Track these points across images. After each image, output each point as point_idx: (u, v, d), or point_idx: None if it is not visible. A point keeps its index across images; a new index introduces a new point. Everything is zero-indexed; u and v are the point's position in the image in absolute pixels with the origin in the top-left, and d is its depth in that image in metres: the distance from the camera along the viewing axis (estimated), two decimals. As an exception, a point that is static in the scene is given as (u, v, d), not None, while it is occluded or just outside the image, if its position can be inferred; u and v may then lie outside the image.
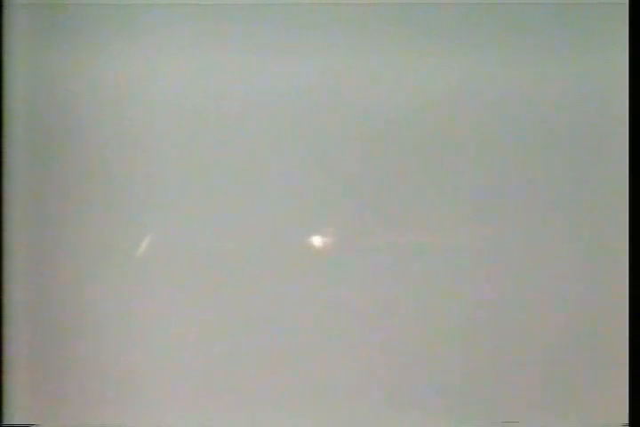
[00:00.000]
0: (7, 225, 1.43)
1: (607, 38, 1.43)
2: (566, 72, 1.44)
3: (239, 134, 1.44)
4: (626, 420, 1.39)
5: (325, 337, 1.44)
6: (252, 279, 1.44)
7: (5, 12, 1.43)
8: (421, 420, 1.45)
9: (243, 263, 1.44)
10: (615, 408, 1.42)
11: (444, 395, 1.45)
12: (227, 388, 1.45)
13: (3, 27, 1.43)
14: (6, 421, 1.45)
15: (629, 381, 1.30)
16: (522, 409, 1.45)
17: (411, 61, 1.44)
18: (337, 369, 1.44)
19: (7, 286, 1.43)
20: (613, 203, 1.43)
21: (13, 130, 1.44)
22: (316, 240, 1.45)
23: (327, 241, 1.45)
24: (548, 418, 1.45)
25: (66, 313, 1.44)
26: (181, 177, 1.44)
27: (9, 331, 1.44)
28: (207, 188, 1.44)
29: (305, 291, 1.44)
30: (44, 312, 1.44)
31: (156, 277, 1.44)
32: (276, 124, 1.44)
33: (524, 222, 1.44)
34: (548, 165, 1.44)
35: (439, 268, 1.44)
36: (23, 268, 1.44)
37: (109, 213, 1.44)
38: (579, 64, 1.44)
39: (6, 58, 1.44)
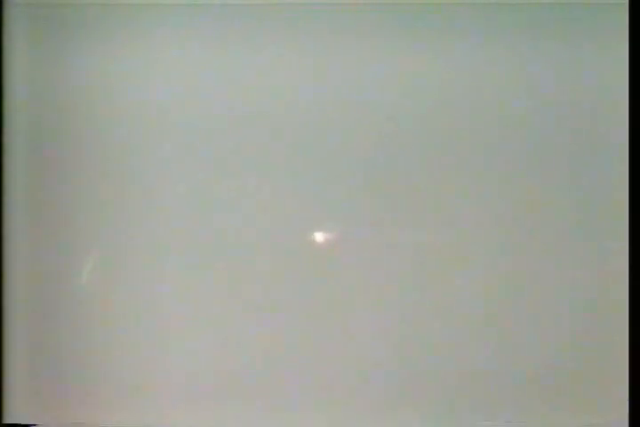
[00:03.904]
0: (7, 224, 1.43)
1: (607, 38, 1.43)
2: (566, 72, 1.44)
3: (242, 132, 1.44)
4: (626, 420, 1.39)
5: (327, 336, 1.44)
6: (255, 277, 1.44)
7: (5, 11, 1.43)
8: (421, 420, 1.45)
9: (246, 262, 1.44)
10: (615, 408, 1.42)
11: (444, 394, 1.44)
12: (227, 387, 1.45)
13: (3, 27, 1.43)
14: (6, 421, 1.45)
15: (629, 381, 1.30)
16: (522, 409, 1.45)
17: (411, 61, 1.44)
18: (337, 368, 1.44)
19: (7, 286, 1.43)
20: (615, 203, 1.43)
21: (13, 130, 1.44)
22: (320, 238, 1.45)
23: (332, 239, 1.45)
24: (548, 418, 1.45)
25: (66, 313, 1.44)
26: (183, 176, 1.44)
27: (9, 331, 1.44)
28: (210, 186, 1.44)
29: (308, 289, 1.44)
30: (44, 312, 1.44)
31: (157, 275, 1.44)
32: (279, 122, 1.44)
33: (525, 222, 1.44)
34: (551, 165, 1.44)
35: (442, 267, 1.44)
36: (23, 268, 1.44)
37: (109, 212, 1.44)
38: (579, 64, 1.44)
39: (6, 58, 1.44)
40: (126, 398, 1.45)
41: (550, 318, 1.44)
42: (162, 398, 1.45)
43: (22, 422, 1.45)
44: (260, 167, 1.44)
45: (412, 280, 1.44)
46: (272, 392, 1.45)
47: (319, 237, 1.45)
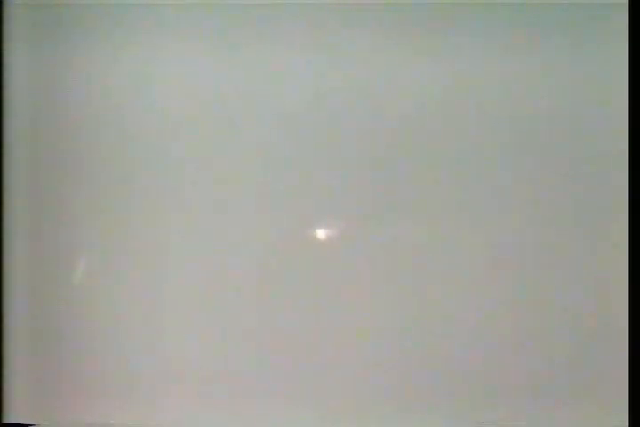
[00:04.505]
0: (7, 224, 1.44)
1: (607, 38, 1.43)
2: (566, 72, 1.44)
3: (242, 132, 1.44)
4: (626, 420, 1.39)
5: (326, 335, 1.44)
6: (255, 277, 1.44)
7: (5, 11, 1.44)
8: (421, 419, 1.45)
9: (246, 261, 1.44)
10: (615, 408, 1.42)
11: (445, 394, 1.44)
12: (226, 387, 1.45)
13: (3, 27, 1.43)
14: (6, 421, 1.45)
15: (629, 381, 1.30)
16: (523, 409, 1.45)
17: (411, 61, 1.44)
18: (337, 367, 1.44)
19: (7, 287, 1.44)
20: (614, 202, 1.43)
21: (13, 129, 1.44)
22: (321, 236, 1.45)
23: (332, 237, 1.45)
24: (549, 418, 1.45)
25: (66, 314, 1.44)
26: (183, 176, 1.44)
27: (9, 332, 1.44)
28: (209, 185, 1.44)
29: (308, 288, 1.44)
30: (44, 313, 1.44)
31: (157, 276, 1.44)
32: (280, 121, 1.44)
33: (525, 222, 1.44)
34: (550, 164, 1.44)
35: (443, 266, 1.44)
36: (23, 268, 1.44)
37: (110, 212, 1.44)
38: (579, 64, 1.44)
39: (6, 58, 1.44)
40: (126, 399, 1.45)
41: (550, 319, 1.44)
42: (162, 398, 1.45)
43: (22, 422, 1.45)
44: (259, 166, 1.44)
45: (411, 278, 1.44)
46: (272, 392, 1.44)
47: (319, 235, 1.45)
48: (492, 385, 1.44)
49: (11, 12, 1.44)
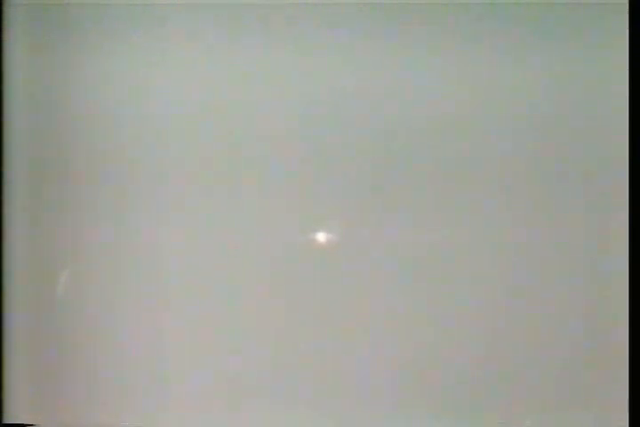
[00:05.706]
0: (7, 224, 1.44)
1: (607, 38, 1.43)
2: (566, 72, 1.44)
3: (242, 133, 1.44)
4: (626, 421, 1.39)
5: (328, 338, 1.44)
6: (255, 280, 1.44)
7: (5, 12, 1.44)
8: (422, 420, 1.45)
9: (247, 263, 1.44)
10: (615, 408, 1.42)
11: (445, 395, 1.44)
12: (227, 388, 1.45)
13: (3, 27, 1.43)
14: (6, 421, 1.45)
15: (629, 381, 1.30)
16: (522, 410, 1.45)
17: (412, 61, 1.44)
18: (338, 370, 1.44)
19: (7, 286, 1.44)
20: (615, 203, 1.43)
21: (13, 130, 1.44)
22: (322, 239, 1.45)
23: (332, 240, 1.45)
24: (549, 419, 1.45)
25: (66, 314, 1.44)
26: (183, 177, 1.44)
27: (9, 331, 1.44)
28: (210, 187, 1.44)
29: (309, 290, 1.44)
30: (44, 313, 1.44)
31: (158, 276, 1.44)
32: (280, 122, 1.44)
33: (526, 223, 1.44)
34: (551, 166, 1.44)
35: (444, 268, 1.44)
36: (23, 268, 1.44)
37: (110, 212, 1.44)
38: (579, 64, 1.44)
39: (6, 58, 1.44)
40: (126, 399, 1.45)
41: (550, 319, 1.44)
42: (162, 398, 1.45)
43: (22, 422, 1.45)
44: (259, 168, 1.44)
45: (412, 281, 1.44)
46: (273, 395, 1.45)
47: (320, 238, 1.45)
48: (493, 386, 1.44)
49: (11, 12, 1.44)
